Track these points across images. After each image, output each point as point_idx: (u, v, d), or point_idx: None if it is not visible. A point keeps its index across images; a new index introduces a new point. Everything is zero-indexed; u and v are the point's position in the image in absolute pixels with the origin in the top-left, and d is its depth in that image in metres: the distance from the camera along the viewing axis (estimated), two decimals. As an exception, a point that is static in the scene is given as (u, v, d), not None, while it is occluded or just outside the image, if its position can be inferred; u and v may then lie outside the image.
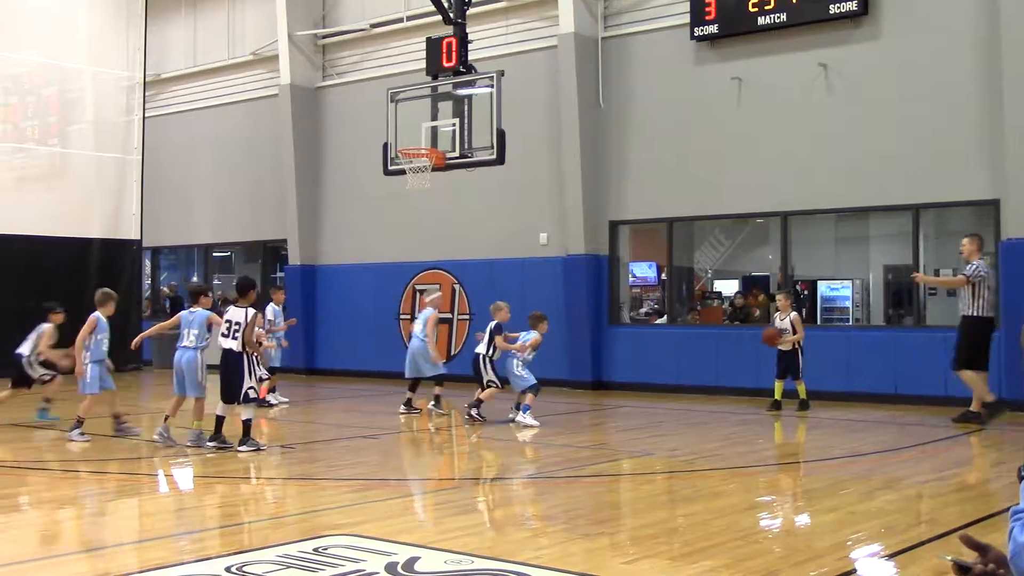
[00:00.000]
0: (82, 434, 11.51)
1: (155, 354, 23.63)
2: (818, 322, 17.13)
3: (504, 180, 17.72)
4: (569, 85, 17.89)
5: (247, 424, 10.64)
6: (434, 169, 14.42)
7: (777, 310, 14.76)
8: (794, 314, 14.44)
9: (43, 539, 7.34)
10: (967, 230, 16.38)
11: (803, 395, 14.35)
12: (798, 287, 17.54)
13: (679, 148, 17.34)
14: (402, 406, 14.23)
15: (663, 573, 5.92)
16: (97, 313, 11.71)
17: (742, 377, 16.20)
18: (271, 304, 15.85)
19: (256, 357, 10.99)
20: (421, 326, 14.37)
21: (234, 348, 10.70)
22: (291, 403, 15.64)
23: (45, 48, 21.62)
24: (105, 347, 11.72)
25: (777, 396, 14.35)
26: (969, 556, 2.39)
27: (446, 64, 14.61)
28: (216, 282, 25.86)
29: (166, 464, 10.49)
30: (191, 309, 11.45)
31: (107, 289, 12.22)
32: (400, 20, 20.70)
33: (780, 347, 14.30)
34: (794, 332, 14.24)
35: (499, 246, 19.06)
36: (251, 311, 10.92)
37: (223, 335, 10.82)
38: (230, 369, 10.72)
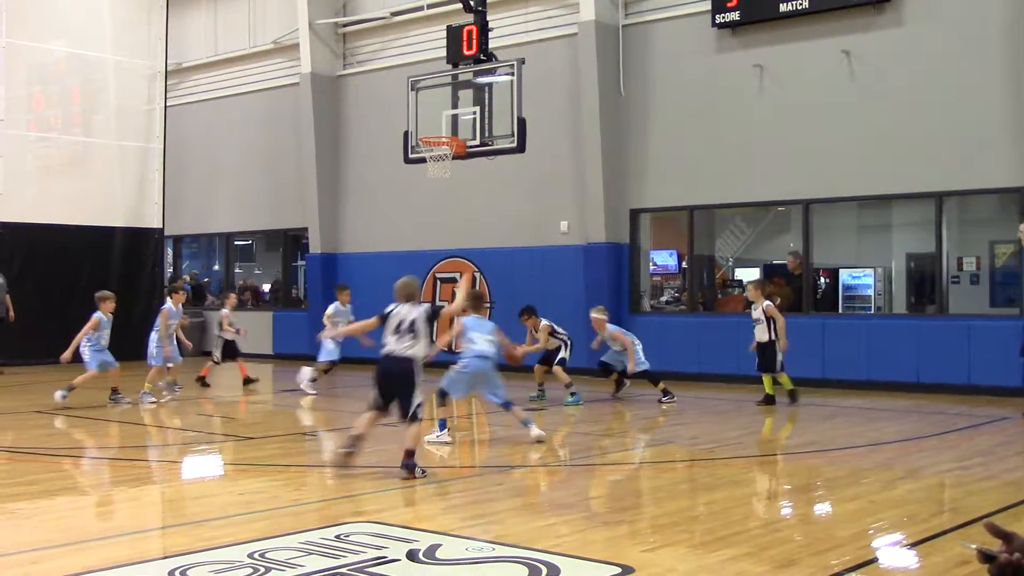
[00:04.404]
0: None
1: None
2: (840, 310, 17.06)
3: (525, 168, 17.70)
4: (590, 73, 17.83)
5: None
6: (455, 157, 14.42)
7: (751, 302, 13.87)
8: (767, 303, 13.49)
9: (67, 526, 7.40)
10: (991, 217, 16.29)
11: (788, 385, 13.58)
12: (814, 274, 17.43)
13: (700, 136, 17.28)
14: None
15: (683, 561, 5.92)
16: (99, 312, 13.52)
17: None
18: (335, 303, 16.07)
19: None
20: None
21: None
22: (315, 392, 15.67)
23: (69, 38, 21.73)
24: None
25: (768, 390, 13.64)
26: (993, 544, 2.37)
27: (466, 52, 14.59)
28: (237, 271, 25.99)
29: (189, 451, 10.56)
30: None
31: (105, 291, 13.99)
32: (420, 8, 20.68)
33: (757, 339, 13.59)
34: (771, 323, 13.37)
35: (520, 234, 19.04)
36: None
37: None
38: None
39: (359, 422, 8.73)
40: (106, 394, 13.74)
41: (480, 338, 10.38)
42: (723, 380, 16.47)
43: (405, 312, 8.66)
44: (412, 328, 8.55)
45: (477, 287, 18.26)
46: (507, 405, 10.51)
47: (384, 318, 8.70)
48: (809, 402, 13.98)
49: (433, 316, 8.71)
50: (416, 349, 8.57)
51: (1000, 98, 14.65)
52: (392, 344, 8.57)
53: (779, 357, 13.51)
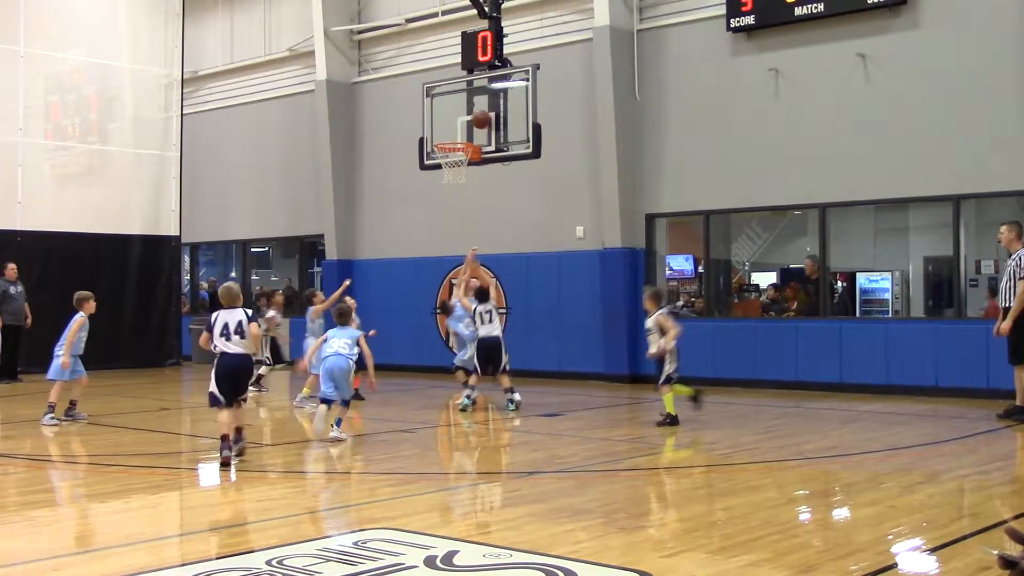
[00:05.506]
0: (53, 419, 12.62)
1: (194, 350, 23.87)
2: (857, 314, 17.00)
3: (540, 174, 17.71)
4: (604, 78, 17.84)
5: None
6: (470, 163, 14.43)
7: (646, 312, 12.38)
8: (660, 312, 12.03)
9: (83, 534, 7.43)
10: (1008, 220, 16.20)
11: (669, 408, 12.09)
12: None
13: (716, 140, 17.26)
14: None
15: (702, 567, 5.90)
16: (82, 313, 12.81)
17: (780, 370, 16.12)
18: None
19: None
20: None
21: None
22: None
23: (85, 47, 21.88)
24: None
25: (668, 409, 12.17)
26: (1014, 550, 2.36)
27: (481, 58, 14.60)
28: (254, 278, 26.09)
29: (206, 459, 10.56)
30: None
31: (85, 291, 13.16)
32: (435, 15, 20.74)
33: (649, 350, 12.19)
34: (662, 334, 11.96)
35: (535, 240, 19.06)
36: None
37: None
38: None
39: (223, 423, 9.48)
40: (104, 399, 13.61)
41: (337, 342, 11.20)
42: (740, 384, 16.42)
43: (228, 316, 9.66)
44: (240, 329, 9.58)
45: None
46: (345, 403, 11.35)
47: (211, 325, 9.68)
48: (827, 406, 13.93)
49: (253, 319, 9.68)
50: (247, 347, 9.66)
51: (1017, 100, 14.58)
52: (223, 345, 9.59)
53: (666, 369, 12.01)
